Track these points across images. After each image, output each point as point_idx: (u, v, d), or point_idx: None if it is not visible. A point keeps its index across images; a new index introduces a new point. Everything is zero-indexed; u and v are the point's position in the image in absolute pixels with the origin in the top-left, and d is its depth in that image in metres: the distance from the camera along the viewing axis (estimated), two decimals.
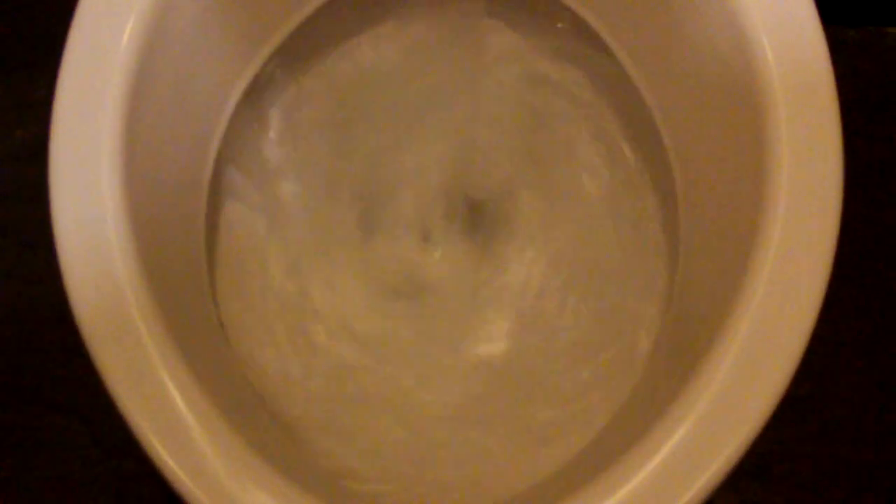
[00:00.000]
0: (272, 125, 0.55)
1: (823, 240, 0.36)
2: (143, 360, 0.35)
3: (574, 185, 0.57)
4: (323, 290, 0.56)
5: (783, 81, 0.38)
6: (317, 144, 0.57)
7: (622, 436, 0.39)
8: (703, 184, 0.45)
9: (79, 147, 0.37)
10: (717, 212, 0.43)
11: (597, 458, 0.39)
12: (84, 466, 0.64)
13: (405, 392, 0.52)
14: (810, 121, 0.37)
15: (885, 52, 0.71)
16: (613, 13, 0.49)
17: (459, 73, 0.58)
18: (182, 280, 0.43)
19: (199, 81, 0.45)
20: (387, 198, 0.58)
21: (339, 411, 0.51)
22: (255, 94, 0.51)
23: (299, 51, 0.52)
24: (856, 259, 0.66)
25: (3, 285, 0.68)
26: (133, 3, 0.38)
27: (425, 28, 0.56)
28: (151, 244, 0.38)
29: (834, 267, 0.37)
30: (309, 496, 0.35)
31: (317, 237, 0.56)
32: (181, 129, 0.44)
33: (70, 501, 0.64)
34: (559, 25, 0.53)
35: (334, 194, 0.57)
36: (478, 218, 0.58)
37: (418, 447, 0.50)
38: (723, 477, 0.35)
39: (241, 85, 0.48)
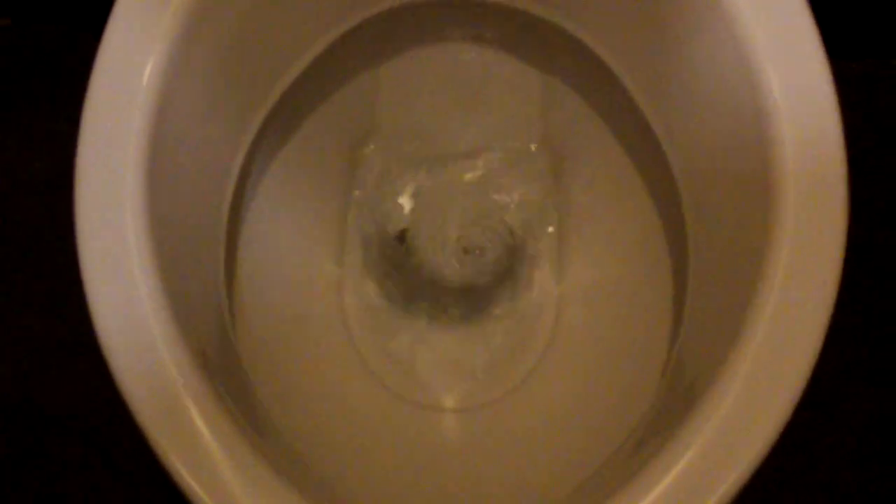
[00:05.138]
0: (293, 156, 0.55)
1: (827, 269, 0.37)
2: (167, 384, 0.36)
3: (585, 215, 0.58)
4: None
5: (789, 114, 0.38)
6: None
7: (626, 465, 0.39)
8: (710, 214, 0.45)
9: (103, 188, 0.38)
10: (725, 240, 0.43)
11: (600, 487, 0.40)
12: (99, 492, 0.64)
13: (429, 427, 0.53)
14: (816, 153, 0.38)
15: (889, 84, 0.72)
16: (620, 43, 0.49)
17: (467, 105, 0.59)
18: (202, 306, 0.44)
19: (219, 115, 0.46)
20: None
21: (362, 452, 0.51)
22: (272, 128, 0.52)
23: (319, 81, 0.53)
24: (857, 285, 0.66)
25: (21, 314, 0.69)
26: (154, 41, 0.39)
27: (431, 62, 0.57)
28: (173, 275, 0.38)
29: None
30: None
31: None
32: (201, 163, 0.45)
33: None
34: (567, 57, 0.54)
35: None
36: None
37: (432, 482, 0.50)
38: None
39: (260, 116, 0.49)
